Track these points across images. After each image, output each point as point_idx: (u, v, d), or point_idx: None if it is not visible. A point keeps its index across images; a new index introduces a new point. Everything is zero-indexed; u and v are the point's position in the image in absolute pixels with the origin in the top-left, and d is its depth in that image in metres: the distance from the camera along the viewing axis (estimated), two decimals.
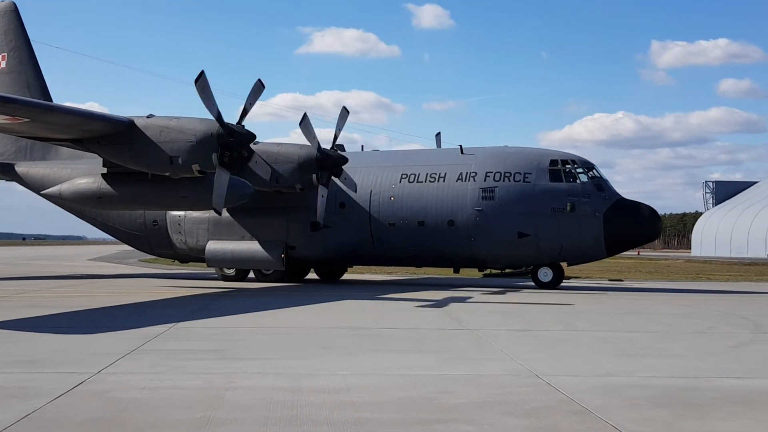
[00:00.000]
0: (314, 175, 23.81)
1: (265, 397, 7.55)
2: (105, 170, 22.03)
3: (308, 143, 23.87)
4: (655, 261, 69.20)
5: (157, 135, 19.78)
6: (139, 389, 7.86)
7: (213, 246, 26.45)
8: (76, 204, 24.78)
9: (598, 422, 6.74)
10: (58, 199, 24.52)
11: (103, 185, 22.21)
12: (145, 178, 21.52)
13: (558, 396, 7.81)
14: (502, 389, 8.10)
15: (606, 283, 29.46)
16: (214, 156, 19.61)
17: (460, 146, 26.54)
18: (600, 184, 24.62)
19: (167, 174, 20.45)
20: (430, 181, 25.83)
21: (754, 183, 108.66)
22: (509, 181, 24.90)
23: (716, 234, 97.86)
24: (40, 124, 19.16)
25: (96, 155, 21.92)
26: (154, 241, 28.48)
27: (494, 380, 8.61)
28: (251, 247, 26.02)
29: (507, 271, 28.56)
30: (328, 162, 24.14)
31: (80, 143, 20.98)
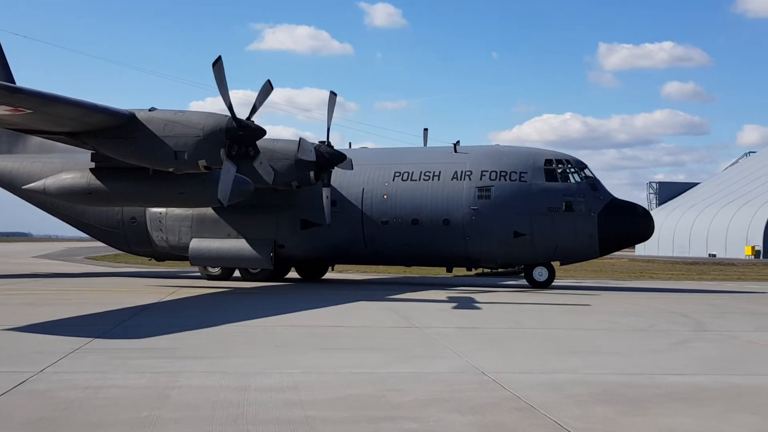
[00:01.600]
0: (311, 173, 23.15)
1: (212, 396, 7.49)
2: (93, 165, 21.28)
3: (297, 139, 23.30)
4: (600, 260, 70.24)
5: (161, 129, 19.02)
6: (81, 389, 7.74)
7: (197, 244, 25.53)
8: (62, 200, 23.77)
9: (542, 419, 6.84)
10: (41, 195, 23.62)
11: (93, 180, 21.45)
12: (138, 173, 20.87)
13: (504, 393, 7.89)
14: (449, 386, 8.16)
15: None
16: (222, 152, 18.92)
17: (454, 145, 26.42)
18: (594, 184, 24.88)
19: (170, 169, 19.75)
20: (424, 179, 25.57)
21: (697, 184, 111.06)
22: (505, 180, 24.89)
23: (659, 234, 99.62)
24: (42, 115, 18.30)
25: (70, 149, 21.31)
26: (131, 239, 27.47)
27: (441, 378, 8.67)
28: (238, 245, 25.21)
29: (499, 270, 28.54)
30: (327, 160, 23.56)
31: (76, 136, 20.13)
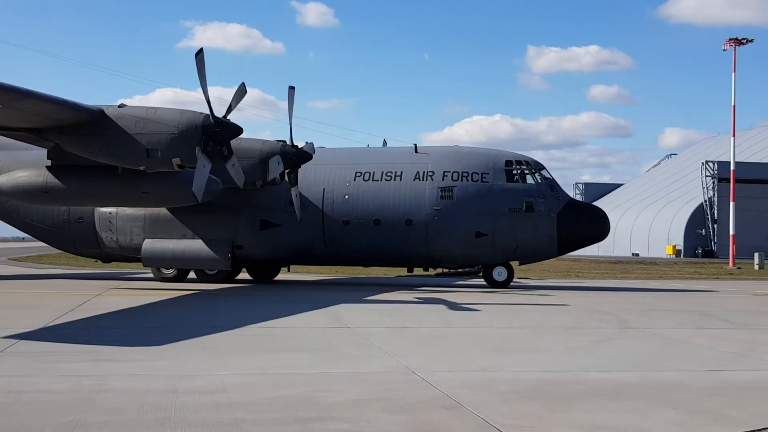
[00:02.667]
0: (281, 173, 22.68)
1: (139, 399, 7.38)
2: (48, 163, 20.52)
3: (269, 138, 22.96)
4: None
5: (132, 126, 18.29)
6: (3, 393, 7.53)
7: (150, 245, 24.73)
8: (16, 199, 22.82)
9: (471, 416, 6.94)
10: None
11: (50, 179, 20.71)
12: (100, 171, 20.20)
13: (433, 392, 7.98)
14: (379, 386, 8.21)
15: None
16: (198, 149, 18.31)
17: (415, 145, 26.50)
18: (552, 185, 25.27)
19: (141, 168, 19.10)
20: (386, 179, 25.45)
21: (621, 185, 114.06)
22: (467, 180, 25.04)
23: None
24: (10, 111, 17.50)
25: (11, 145, 20.45)
26: (78, 240, 26.45)
27: (372, 378, 8.72)
28: (195, 246, 24.53)
29: (459, 270, 28.50)
30: (294, 158, 23.14)
31: (39, 132, 19.32)
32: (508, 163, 25.35)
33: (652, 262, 54.13)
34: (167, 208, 24.19)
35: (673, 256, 76.31)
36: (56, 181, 20.60)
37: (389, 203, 25.13)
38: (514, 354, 10.90)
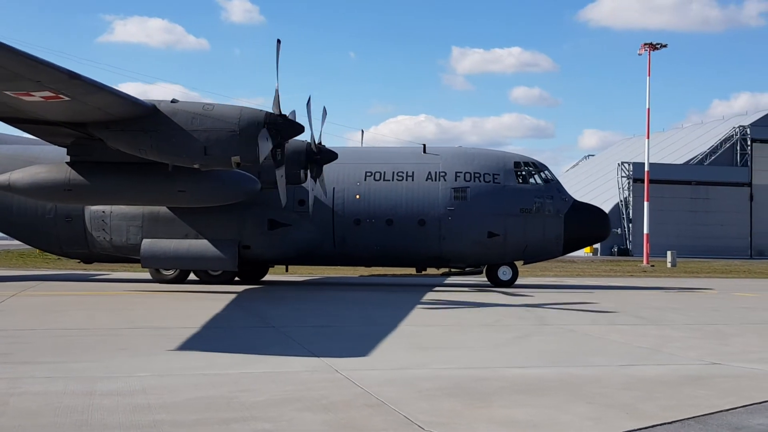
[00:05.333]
0: (302, 171, 22.17)
1: (55, 402, 7.20)
2: (68, 159, 19.85)
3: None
4: None
5: (188, 123, 17.62)
6: None
7: (151, 245, 23.62)
8: (32, 196, 21.84)
9: (393, 414, 7.01)
10: (6, 189, 21.41)
11: (74, 175, 19.87)
12: (129, 168, 19.55)
13: (355, 390, 8.02)
14: (302, 385, 8.20)
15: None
16: (258, 147, 17.71)
17: (424, 145, 26.39)
18: (558, 186, 25.73)
19: (195, 166, 18.42)
20: (397, 179, 25.25)
21: None
22: (479, 181, 25.16)
23: None
24: (77, 104, 16.64)
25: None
26: (65, 240, 25.15)
27: (295, 377, 8.70)
28: (199, 246, 23.54)
29: (465, 270, 28.33)
30: (319, 156, 22.62)
31: (82, 127, 18.52)
32: (517, 164, 25.76)
33: (570, 260, 55.37)
34: (167, 207, 23.37)
35: (590, 254, 78.33)
36: (80, 177, 19.95)
37: (402, 203, 25.05)
38: (435, 351, 11.03)
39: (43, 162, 22.70)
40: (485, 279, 26.54)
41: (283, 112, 18.49)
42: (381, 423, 6.68)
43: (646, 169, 61.98)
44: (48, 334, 12.31)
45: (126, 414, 6.79)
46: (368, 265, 27.35)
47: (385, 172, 25.50)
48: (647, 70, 59.67)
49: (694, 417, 7.12)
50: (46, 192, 20.69)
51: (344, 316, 15.89)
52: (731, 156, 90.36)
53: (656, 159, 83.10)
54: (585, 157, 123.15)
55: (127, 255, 24.76)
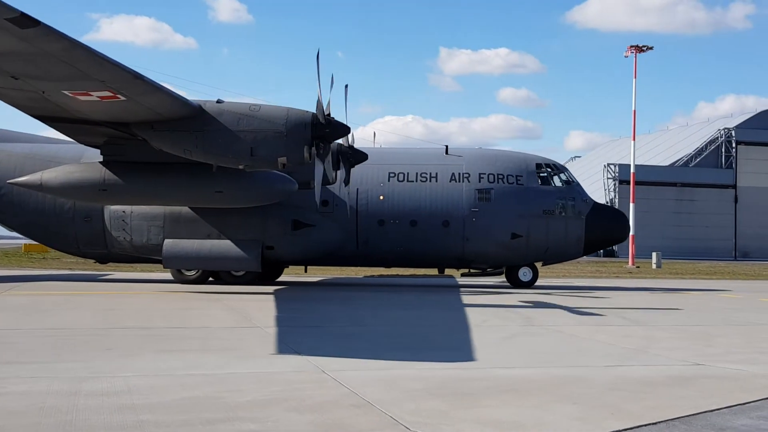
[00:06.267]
0: (336, 172, 21.97)
1: (38, 402, 7.14)
2: (93, 158, 19.87)
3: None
4: None
5: (235, 123, 17.67)
6: None
7: (173, 245, 23.37)
8: (66, 196, 21.71)
9: (379, 414, 7.01)
10: (37, 189, 21.25)
11: (108, 175, 19.77)
12: (166, 168, 19.56)
13: (342, 390, 8.01)
14: (288, 386, 8.18)
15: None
16: (306, 149, 17.75)
17: (446, 146, 26.39)
18: (579, 188, 25.96)
19: (241, 166, 18.46)
20: (421, 180, 25.27)
21: None
22: (503, 183, 25.29)
23: None
24: (131, 104, 16.58)
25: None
26: (83, 240, 24.82)
27: (281, 377, 8.68)
28: (223, 246, 23.35)
29: (487, 271, 28.20)
30: (352, 157, 22.49)
31: (125, 127, 18.41)
32: (538, 165, 25.95)
33: None
34: (189, 207, 23.25)
35: None
36: (115, 177, 19.91)
37: (426, 204, 25.08)
38: (421, 351, 11.04)
39: (61, 161, 23.03)
40: (504, 280, 26.72)
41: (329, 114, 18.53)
42: (367, 423, 6.67)
43: (631, 170, 62.29)
44: (33, 333, 12.23)
45: (111, 414, 6.75)
46: (390, 266, 27.33)
47: (408, 173, 25.52)
48: (633, 72, 60.03)
49: (679, 417, 7.15)
50: (80, 192, 20.64)
51: (331, 315, 15.86)
52: (716, 158, 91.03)
53: (642, 161, 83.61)
54: (571, 159, 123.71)
55: (147, 255, 24.59)
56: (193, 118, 17.82)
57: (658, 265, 50.17)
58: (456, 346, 11.78)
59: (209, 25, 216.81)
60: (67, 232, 24.84)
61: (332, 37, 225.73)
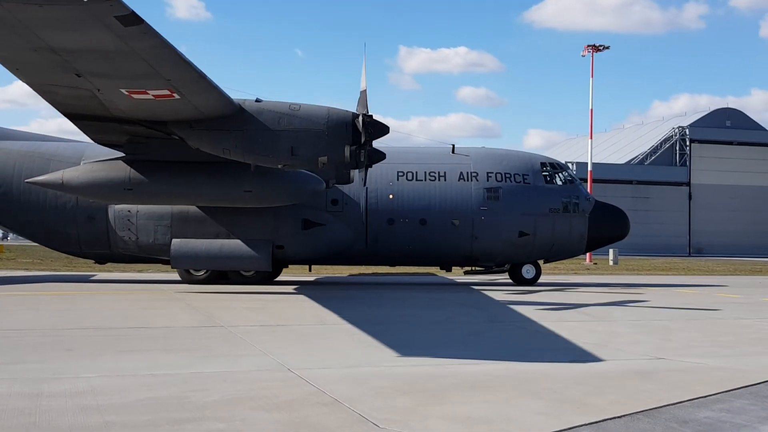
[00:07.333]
0: (351, 171, 21.53)
1: (1, 404, 7.00)
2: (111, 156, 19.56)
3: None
4: None
5: (275, 123, 17.48)
6: None
7: (181, 245, 22.92)
8: (89, 196, 21.08)
9: (347, 411, 7.00)
10: (58, 188, 20.73)
11: (134, 174, 19.36)
12: (194, 168, 19.35)
13: (309, 388, 7.99)
14: (254, 384, 8.14)
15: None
16: (347, 149, 17.60)
17: (453, 145, 26.39)
18: (581, 186, 26.35)
19: (280, 166, 18.20)
20: (430, 179, 25.31)
21: None
22: (511, 181, 25.47)
23: None
24: (181, 102, 16.22)
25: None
26: (86, 240, 24.19)
27: (247, 376, 8.63)
28: (232, 245, 22.96)
29: (493, 269, 27.85)
30: (370, 157, 22.04)
31: (162, 126, 18.05)
32: (543, 164, 26.26)
33: None
34: (197, 206, 22.90)
35: None
36: (141, 176, 19.58)
37: (436, 203, 25.14)
38: (388, 349, 11.03)
39: (61, 159, 22.97)
40: (507, 277, 26.93)
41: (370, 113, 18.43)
42: (335, 421, 6.66)
43: (589, 168, 63.11)
44: None
45: (75, 415, 6.65)
46: (398, 264, 27.32)
47: (417, 172, 25.60)
48: (590, 71, 60.73)
49: (642, 411, 7.26)
50: (105, 191, 20.28)
51: (293, 315, 15.80)
52: (671, 156, 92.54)
53: (599, 159, 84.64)
54: None
55: (153, 255, 24.19)
56: (233, 117, 17.65)
57: (615, 262, 50.84)
58: (423, 343, 11.81)
59: (167, 22, 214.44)
60: (69, 231, 24.23)
61: (291, 35, 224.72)
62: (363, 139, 18.25)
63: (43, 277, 27.16)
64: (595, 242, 26.79)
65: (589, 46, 60.74)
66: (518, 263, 26.36)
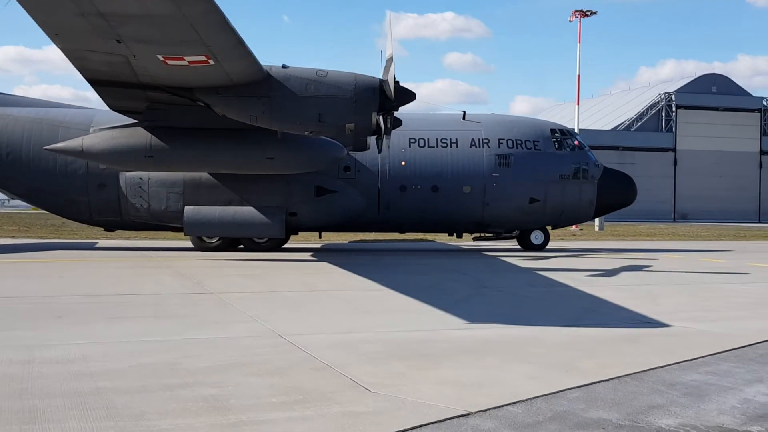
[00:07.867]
0: (368, 138, 21.30)
1: None
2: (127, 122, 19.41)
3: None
4: None
5: (302, 89, 17.36)
6: None
7: (194, 212, 22.84)
8: (109, 163, 20.98)
9: (339, 377, 7.05)
10: (78, 155, 20.56)
11: (155, 141, 19.20)
12: (217, 134, 19.23)
13: (300, 354, 8.03)
14: (246, 350, 8.17)
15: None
16: (374, 115, 17.46)
17: (464, 112, 26.34)
18: (590, 153, 26.36)
19: (307, 133, 18.09)
20: (442, 146, 25.22)
21: None
22: (522, 148, 25.48)
23: None
24: (215, 68, 16.01)
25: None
26: (96, 208, 23.95)
27: (238, 342, 8.66)
28: (246, 213, 22.91)
29: (503, 235, 27.89)
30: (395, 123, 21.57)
31: (188, 92, 17.84)
32: (553, 131, 26.29)
33: None
34: (209, 173, 22.78)
35: None
36: (162, 143, 19.43)
37: (447, 170, 25.13)
38: (379, 315, 11.10)
39: (70, 126, 22.97)
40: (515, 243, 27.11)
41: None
42: (327, 386, 6.70)
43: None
44: None
45: (67, 381, 6.66)
46: (409, 231, 27.39)
47: (428, 139, 25.51)
48: (578, 36, 60.47)
49: (630, 374, 7.35)
50: (125, 158, 20.17)
51: (282, 282, 15.83)
52: (657, 122, 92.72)
53: (585, 125, 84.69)
54: None
55: (165, 222, 24.10)
56: (260, 84, 17.51)
57: (601, 228, 51.07)
58: (412, 309, 11.87)
59: None
60: (80, 199, 24.01)
61: (278, 2, 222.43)
62: (392, 105, 18.17)
63: (34, 245, 27.00)
64: (604, 208, 27.02)
65: (576, 11, 60.41)
66: (527, 229, 26.55)
